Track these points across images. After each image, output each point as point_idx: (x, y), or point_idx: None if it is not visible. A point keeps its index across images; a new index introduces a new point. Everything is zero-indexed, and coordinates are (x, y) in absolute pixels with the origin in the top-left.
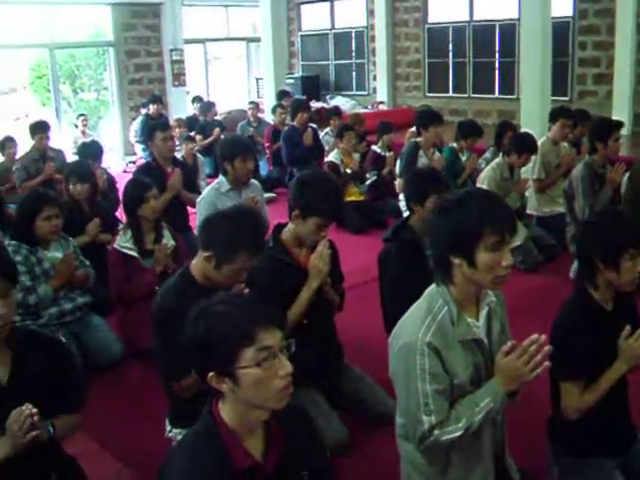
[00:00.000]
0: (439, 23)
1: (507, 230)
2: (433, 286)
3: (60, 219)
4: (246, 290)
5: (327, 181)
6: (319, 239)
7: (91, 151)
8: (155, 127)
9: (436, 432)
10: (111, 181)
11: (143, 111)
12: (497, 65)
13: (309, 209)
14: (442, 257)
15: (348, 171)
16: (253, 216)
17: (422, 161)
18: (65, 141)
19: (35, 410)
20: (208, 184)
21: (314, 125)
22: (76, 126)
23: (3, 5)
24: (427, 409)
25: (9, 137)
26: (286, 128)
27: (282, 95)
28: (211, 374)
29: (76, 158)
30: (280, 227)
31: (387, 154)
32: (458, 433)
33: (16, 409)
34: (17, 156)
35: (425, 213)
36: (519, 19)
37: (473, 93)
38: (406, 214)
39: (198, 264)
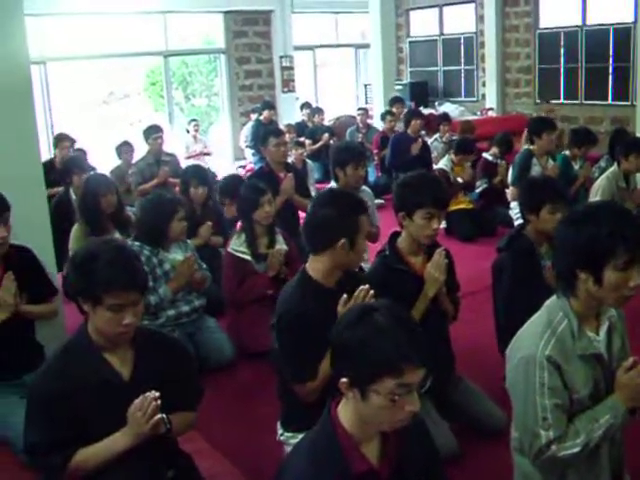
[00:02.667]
0: (550, 28)
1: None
2: (553, 298)
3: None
4: (372, 291)
5: (421, 174)
6: (433, 233)
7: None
8: (269, 133)
9: (553, 447)
10: None
11: (253, 116)
12: (611, 70)
13: (411, 204)
14: (568, 270)
15: (459, 180)
16: (349, 194)
17: (535, 169)
18: (177, 146)
19: (157, 394)
20: (317, 189)
21: (422, 132)
22: (188, 131)
23: (121, 16)
24: (545, 423)
25: (126, 142)
26: (397, 133)
27: (394, 101)
28: (344, 380)
29: (188, 162)
30: (396, 236)
31: (499, 162)
32: (576, 449)
33: (138, 398)
34: (133, 160)
35: (540, 223)
36: (635, 22)
37: (585, 99)
38: (517, 223)
39: (314, 264)
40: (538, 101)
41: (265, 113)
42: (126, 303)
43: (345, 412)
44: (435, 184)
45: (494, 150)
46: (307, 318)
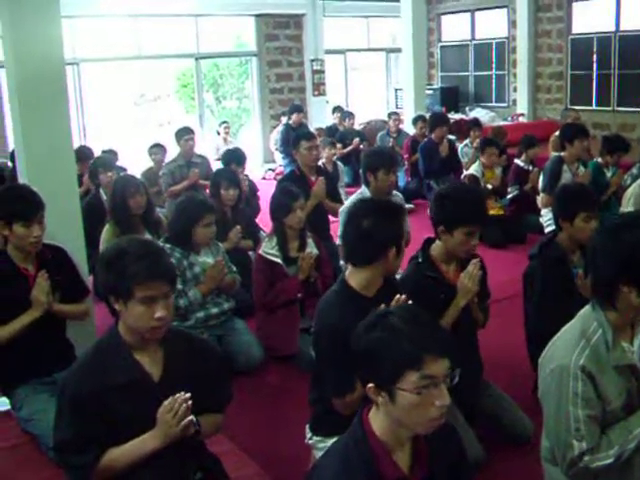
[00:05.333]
0: (583, 34)
1: None
2: (587, 308)
3: (214, 226)
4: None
5: (465, 189)
6: (471, 248)
7: (235, 157)
8: (301, 136)
9: (586, 458)
10: (252, 187)
11: (284, 120)
12: None
13: (453, 221)
14: (608, 283)
15: (489, 186)
16: (386, 201)
17: (566, 176)
18: (208, 148)
19: (188, 395)
20: (347, 193)
21: (452, 137)
22: (218, 133)
23: (153, 18)
24: (578, 434)
25: (158, 144)
26: (424, 140)
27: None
28: (371, 385)
29: (219, 165)
30: (430, 242)
31: (531, 168)
32: (609, 461)
33: (168, 399)
34: (164, 162)
35: (574, 231)
36: None
37: (618, 106)
38: (548, 230)
39: (357, 275)
40: (570, 107)
41: (294, 117)
42: (157, 295)
43: (376, 419)
44: (478, 200)
45: (525, 156)
46: (346, 332)
